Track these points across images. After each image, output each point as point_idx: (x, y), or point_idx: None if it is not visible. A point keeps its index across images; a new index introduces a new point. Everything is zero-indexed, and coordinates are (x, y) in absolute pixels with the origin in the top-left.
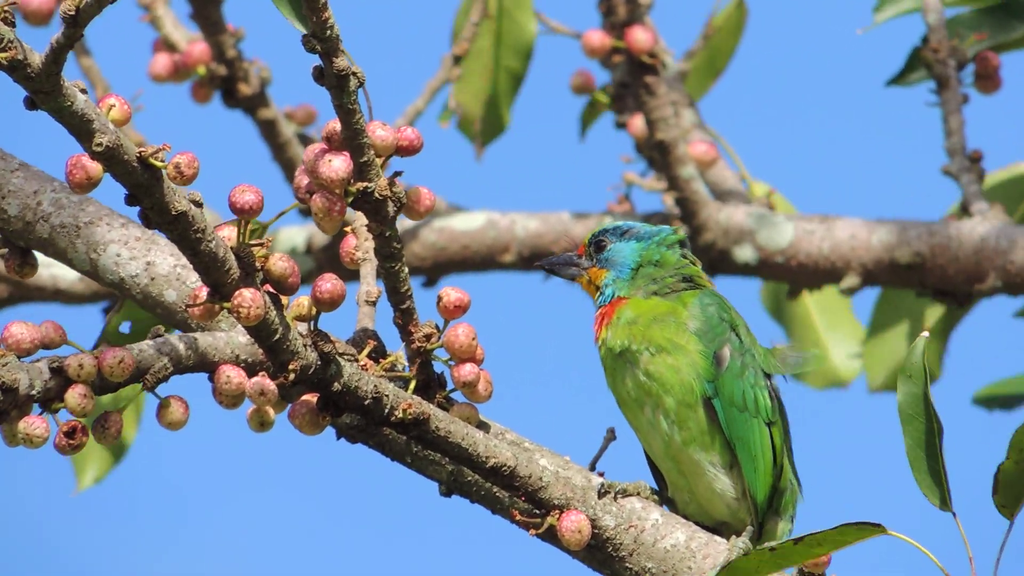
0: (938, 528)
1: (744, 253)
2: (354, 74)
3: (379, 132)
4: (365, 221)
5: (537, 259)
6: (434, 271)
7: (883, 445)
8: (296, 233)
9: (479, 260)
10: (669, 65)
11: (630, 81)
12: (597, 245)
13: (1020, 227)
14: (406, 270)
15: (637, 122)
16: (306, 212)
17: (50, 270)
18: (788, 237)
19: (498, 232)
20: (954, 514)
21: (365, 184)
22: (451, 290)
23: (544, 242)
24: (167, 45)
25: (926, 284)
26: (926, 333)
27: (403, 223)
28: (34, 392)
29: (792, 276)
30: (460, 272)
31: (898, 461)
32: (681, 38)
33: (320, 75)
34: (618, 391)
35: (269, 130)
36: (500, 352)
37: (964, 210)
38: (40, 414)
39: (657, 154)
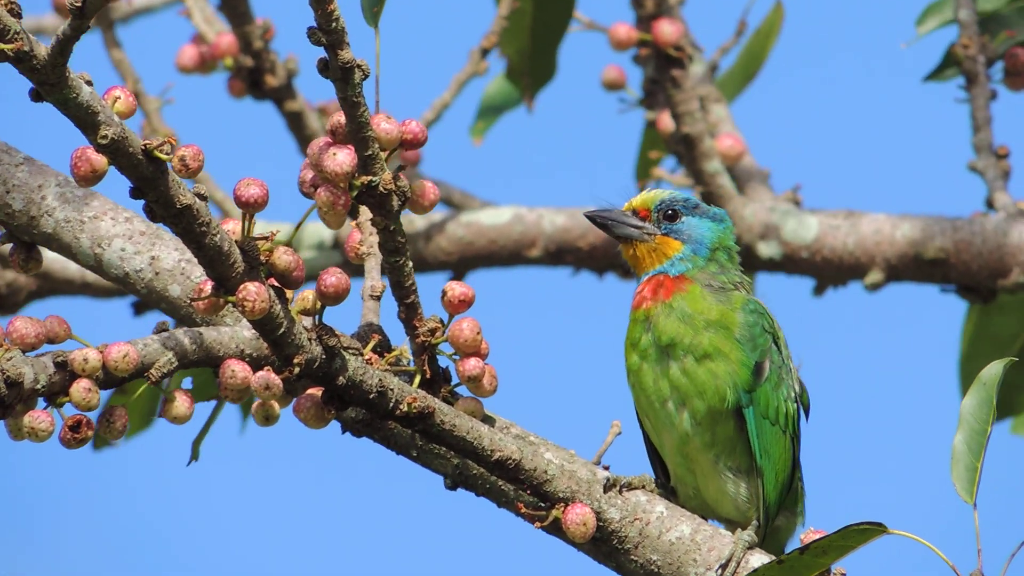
0: (941, 530)
1: (769, 248)
2: (359, 66)
3: (384, 125)
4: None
5: (564, 254)
6: (460, 265)
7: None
8: (323, 228)
9: (506, 255)
10: (698, 60)
11: (659, 77)
12: (669, 214)
13: None
14: (410, 264)
15: (666, 118)
16: None
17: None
18: (813, 232)
19: (525, 227)
20: (975, 506)
21: (370, 178)
22: (456, 284)
23: (571, 237)
24: (198, 38)
25: (950, 280)
26: (1015, 359)
27: (431, 216)
28: (39, 386)
29: (817, 271)
30: (487, 267)
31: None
32: (718, 38)
33: (325, 67)
34: (642, 375)
35: (295, 123)
36: (523, 346)
37: (989, 206)
38: (45, 408)
39: (683, 148)
